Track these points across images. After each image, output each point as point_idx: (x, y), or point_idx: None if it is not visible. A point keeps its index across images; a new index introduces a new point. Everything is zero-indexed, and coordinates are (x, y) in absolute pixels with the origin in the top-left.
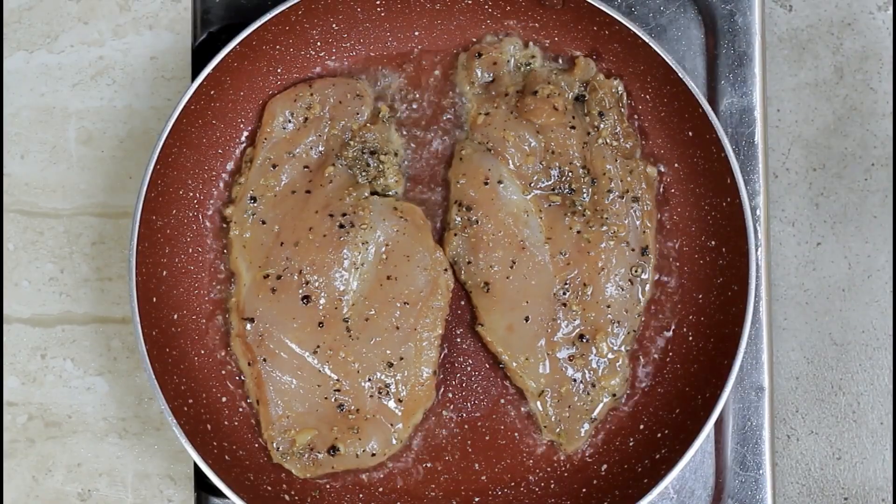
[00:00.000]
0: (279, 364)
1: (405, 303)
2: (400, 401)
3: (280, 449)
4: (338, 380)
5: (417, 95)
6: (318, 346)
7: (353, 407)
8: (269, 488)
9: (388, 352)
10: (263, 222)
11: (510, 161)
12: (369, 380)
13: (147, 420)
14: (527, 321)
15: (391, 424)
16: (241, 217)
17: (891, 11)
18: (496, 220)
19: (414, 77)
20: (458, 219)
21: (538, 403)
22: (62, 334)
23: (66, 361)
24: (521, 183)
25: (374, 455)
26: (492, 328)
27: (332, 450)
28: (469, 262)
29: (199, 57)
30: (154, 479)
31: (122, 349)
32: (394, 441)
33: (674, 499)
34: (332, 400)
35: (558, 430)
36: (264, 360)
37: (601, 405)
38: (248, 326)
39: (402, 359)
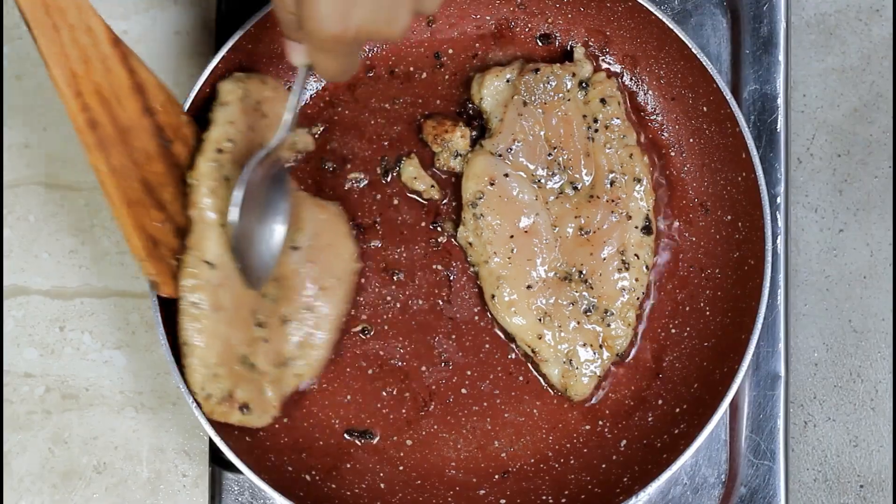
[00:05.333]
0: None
1: (321, 287)
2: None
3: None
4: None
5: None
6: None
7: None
8: (291, 468)
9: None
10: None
11: (515, 159)
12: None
13: (163, 395)
14: (533, 298)
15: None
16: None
17: None
18: (501, 212)
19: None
20: (469, 217)
21: (546, 368)
22: (81, 307)
23: (84, 334)
24: (525, 176)
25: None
26: (499, 305)
27: (245, 408)
28: (476, 249)
29: (224, 33)
30: (169, 453)
31: (140, 323)
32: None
33: (686, 485)
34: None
35: (566, 387)
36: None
37: (606, 363)
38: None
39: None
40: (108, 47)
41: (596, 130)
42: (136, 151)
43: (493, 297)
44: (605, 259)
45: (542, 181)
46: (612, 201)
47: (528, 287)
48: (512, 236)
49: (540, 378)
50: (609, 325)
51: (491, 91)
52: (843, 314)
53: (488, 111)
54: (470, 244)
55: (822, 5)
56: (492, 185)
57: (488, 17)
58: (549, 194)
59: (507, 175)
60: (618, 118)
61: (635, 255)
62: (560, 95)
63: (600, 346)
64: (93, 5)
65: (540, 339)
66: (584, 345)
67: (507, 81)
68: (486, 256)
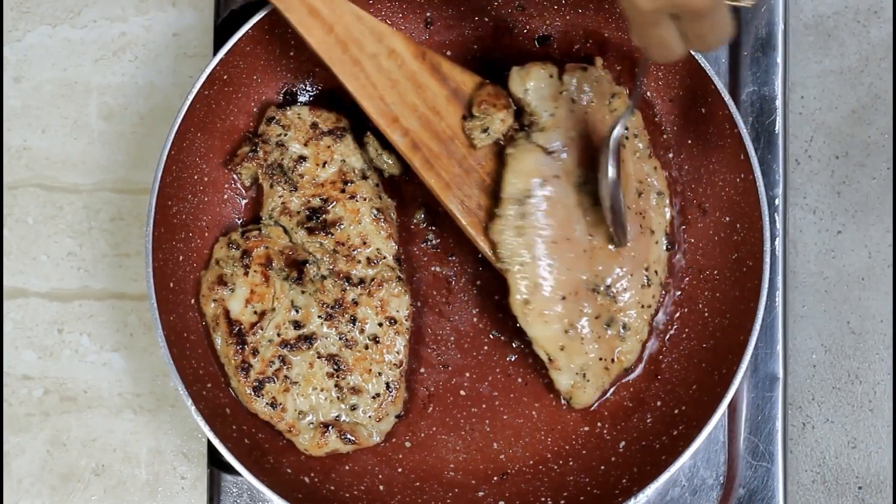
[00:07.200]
0: None
1: None
2: None
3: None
4: None
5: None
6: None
7: None
8: (290, 470)
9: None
10: None
11: (564, 159)
12: None
13: (162, 397)
14: (564, 309)
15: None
16: None
17: None
18: (550, 216)
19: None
20: (510, 213)
21: (558, 376)
22: (79, 309)
23: (82, 336)
24: (570, 180)
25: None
26: (529, 311)
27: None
28: (512, 248)
29: (222, 35)
30: (168, 455)
31: (138, 325)
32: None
33: (685, 486)
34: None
35: (571, 395)
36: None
37: (613, 375)
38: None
39: None
40: (415, 64)
41: (626, 138)
42: (464, 158)
43: (526, 301)
44: (632, 274)
45: (581, 186)
46: (640, 214)
47: (563, 297)
48: (555, 242)
49: (540, 380)
50: (624, 340)
51: (537, 84)
52: (842, 316)
53: (532, 104)
54: (504, 241)
55: (820, 7)
56: (542, 184)
57: (487, 19)
58: (586, 201)
59: (557, 177)
60: (639, 127)
61: (655, 271)
62: (598, 99)
63: (612, 361)
64: (391, 28)
65: (562, 349)
66: (601, 359)
67: (551, 77)
68: (524, 259)
